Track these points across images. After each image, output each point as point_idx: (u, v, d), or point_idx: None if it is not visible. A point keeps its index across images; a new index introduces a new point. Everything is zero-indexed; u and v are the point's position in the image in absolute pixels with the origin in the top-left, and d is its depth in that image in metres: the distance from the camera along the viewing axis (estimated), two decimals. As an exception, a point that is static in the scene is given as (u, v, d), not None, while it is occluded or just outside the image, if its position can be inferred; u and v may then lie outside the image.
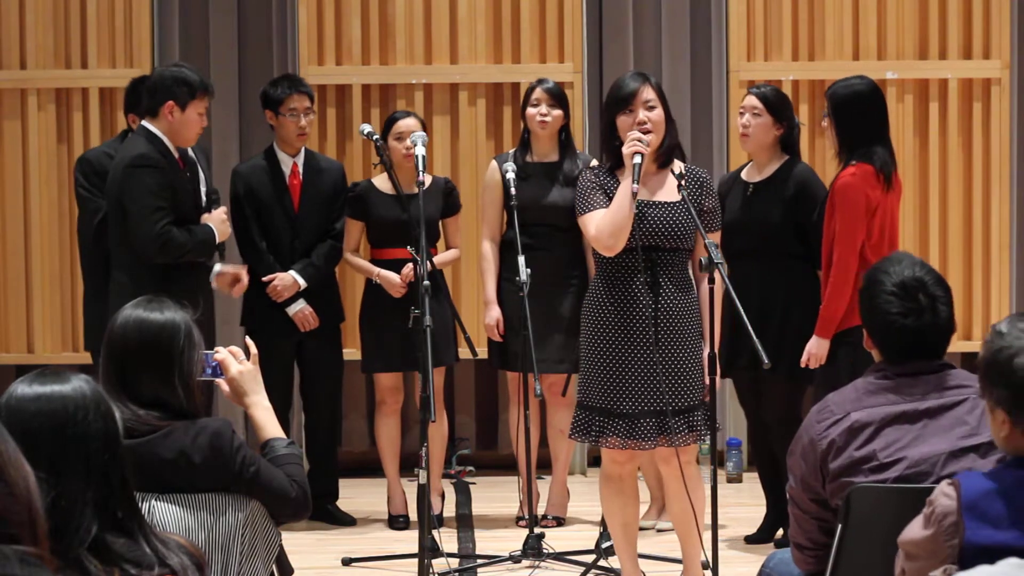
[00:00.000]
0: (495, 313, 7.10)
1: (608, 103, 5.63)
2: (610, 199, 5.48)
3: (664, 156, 5.60)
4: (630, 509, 5.73)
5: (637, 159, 5.38)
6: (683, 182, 5.52)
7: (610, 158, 5.61)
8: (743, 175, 6.77)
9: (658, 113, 5.53)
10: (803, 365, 6.27)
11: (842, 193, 6.18)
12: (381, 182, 7.16)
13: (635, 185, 5.34)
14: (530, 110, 7.11)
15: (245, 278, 6.79)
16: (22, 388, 2.67)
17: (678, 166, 5.63)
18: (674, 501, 5.65)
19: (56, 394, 2.65)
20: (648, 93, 5.53)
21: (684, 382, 5.51)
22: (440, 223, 7.25)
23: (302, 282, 7.17)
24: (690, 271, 5.64)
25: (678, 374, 5.51)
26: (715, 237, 5.63)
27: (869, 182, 6.19)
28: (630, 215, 5.40)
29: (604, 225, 5.44)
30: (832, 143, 6.35)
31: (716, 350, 5.43)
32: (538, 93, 7.11)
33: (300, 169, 7.28)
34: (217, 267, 6.67)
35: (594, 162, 7.23)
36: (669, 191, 5.57)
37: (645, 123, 5.49)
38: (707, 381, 5.47)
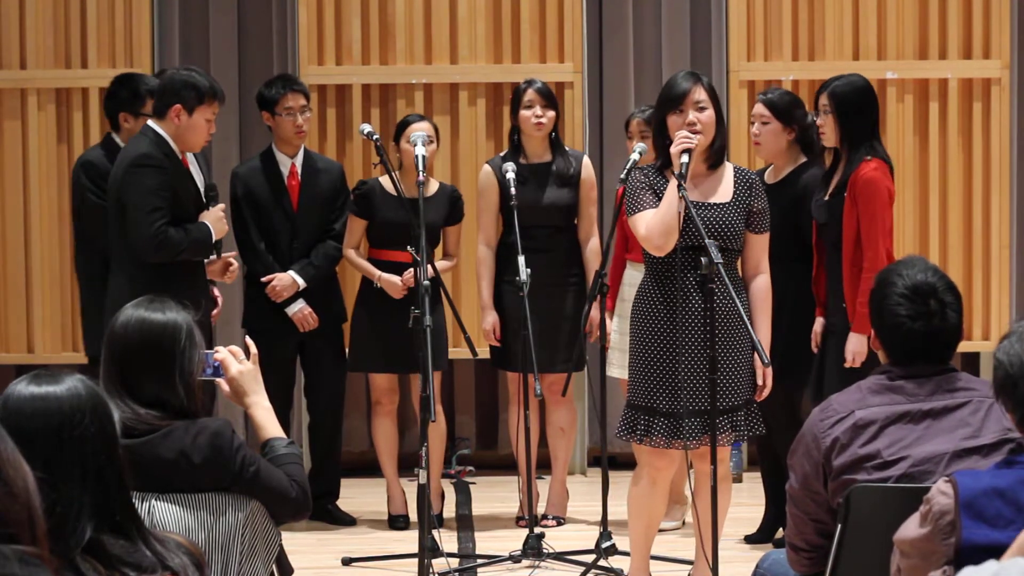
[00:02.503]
0: (492, 318, 7.11)
1: (659, 102, 5.64)
2: (659, 198, 5.48)
3: (714, 157, 5.60)
4: (656, 513, 5.75)
5: (685, 158, 5.38)
6: (741, 186, 5.56)
7: (660, 157, 5.61)
8: (764, 177, 6.76)
9: (708, 114, 5.52)
10: (848, 365, 6.22)
11: (870, 187, 6.16)
12: (388, 183, 7.15)
13: (683, 184, 5.34)
14: (524, 112, 7.10)
15: (235, 263, 6.75)
16: (18, 390, 2.67)
17: (729, 167, 5.64)
18: (701, 498, 5.65)
19: (52, 396, 2.65)
20: (699, 94, 5.52)
21: (730, 382, 5.51)
22: (442, 231, 7.24)
23: (301, 282, 7.17)
24: (739, 271, 5.65)
25: (725, 374, 5.49)
26: (765, 238, 5.65)
27: (887, 175, 6.22)
28: (679, 215, 5.39)
29: (654, 225, 5.43)
30: (829, 139, 6.33)
31: (762, 350, 5.42)
32: (531, 95, 7.10)
33: (298, 169, 7.28)
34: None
35: (586, 160, 7.26)
36: (720, 192, 5.58)
37: (695, 124, 5.49)
38: (759, 382, 5.55)
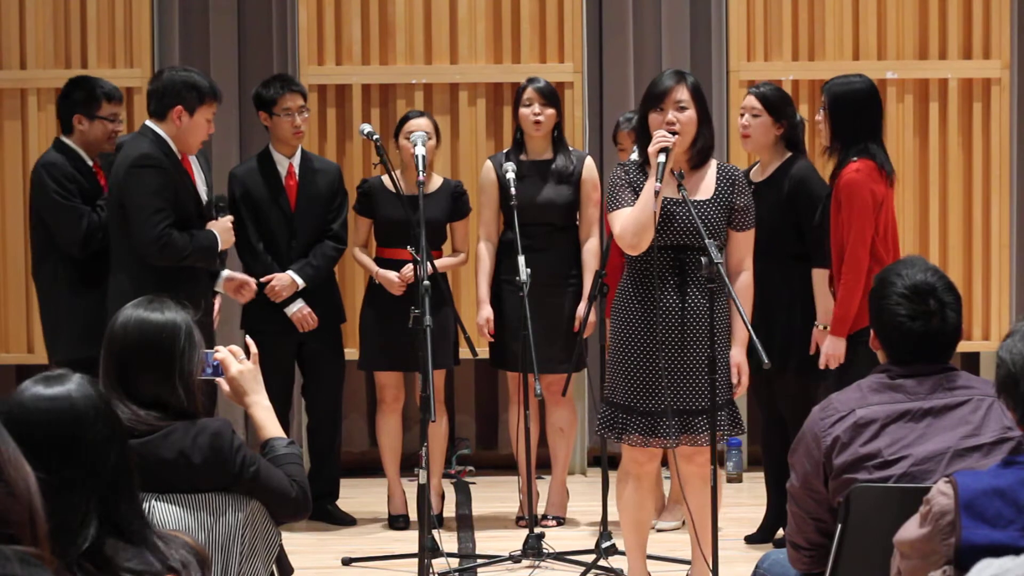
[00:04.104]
0: (486, 312, 7.12)
1: (642, 99, 5.64)
2: (638, 196, 5.47)
3: (697, 158, 5.58)
4: (646, 509, 5.75)
5: (661, 158, 5.37)
6: (723, 181, 5.55)
7: (642, 154, 5.61)
8: (751, 175, 6.77)
9: (688, 115, 5.50)
10: (822, 367, 6.24)
11: (849, 189, 6.18)
12: (389, 181, 7.15)
13: (658, 184, 5.33)
14: (523, 110, 7.11)
15: (253, 286, 6.81)
16: (27, 391, 2.66)
17: (713, 164, 5.63)
18: (691, 499, 5.65)
19: (62, 397, 2.64)
20: (681, 93, 5.50)
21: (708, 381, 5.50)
22: (448, 227, 7.25)
23: (300, 282, 7.17)
24: (721, 269, 5.65)
25: (702, 373, 5.49)
26: (749, 235, 5.63)
27: (873, 177, 6.21)
28: (653, 214, 5.38)
29: (628, 224, 5.43)
30: (824, 138, 6.36)
31: (737, 351, 5.43)
32: (530, 93, 7.11)
33: (296, 170, 7.27)
34: (226, 272, 6.70)
35: (588, 160, 7.26)
36: (702, 189, 5.57)
37: (673, 124, 5.48)
38: (734, 381, 5.51)
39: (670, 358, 5.48)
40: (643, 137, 5.57)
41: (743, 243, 5.63)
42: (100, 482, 2.59)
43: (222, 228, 6.40)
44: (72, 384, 2.66)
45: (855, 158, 6.21)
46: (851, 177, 6.18)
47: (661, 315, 5.48)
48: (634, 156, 6.16)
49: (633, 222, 5.41)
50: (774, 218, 6.58)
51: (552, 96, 7.15)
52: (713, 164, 5.64)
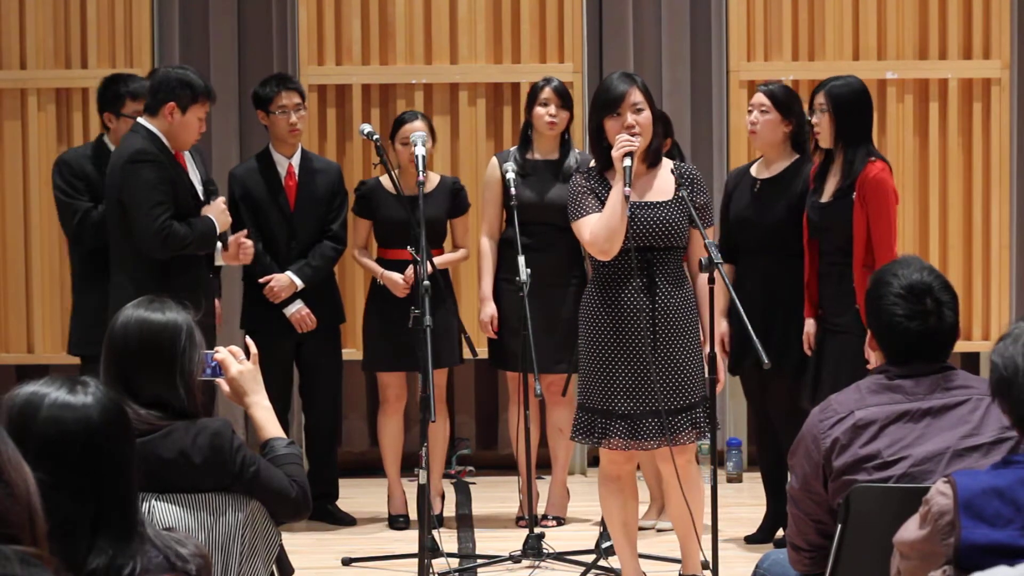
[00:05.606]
0: (490, 310, 7.11)
1: (595, 106, 5.65)
2: (601, 202, 5.49)
3: (653, 156, 5.61)
4: (629, 509, 5.74)
5: (627, 162, 5.40)
6: (683, 181, 5.55)
7: (599, 160, 5.62)
8: (752, 171, 6.76)
9: (645, 116, 5.54)
10: (869, 368, 6.21)
11: (879, 188, 6.17)
12: (388, 182, 7.15)
13: (627, 188, 5.35)
14: (539, 109, 7.11)
15: (248, 241, 6.72)
16: (49, 395, 2.63)
17: (667, 164, 5.65)
18: (674, 500, 5.65)
19: (81, 404, 2.62)
20: (635, 96, 5.54)
21: (685, 380, 5.52)
22: (448, 223, 7.25)
23: (299, 283, 7.17)
24: (685, 268, 5.65)
25: (678, 372, 5.51)
26: (709, 233, 5.63)
27: (891, 176, 6.24)
28: (623, 218, 5.41)
29: (599, 230, 5.45)
30: (825, 140, 6.34)
31: (716, 349, 5.43)
32: (547, 93, 7.11)
33: (296, 170, 7.27)
34: (219, 245, 6.66)
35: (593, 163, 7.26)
36: (659, 191, 5.59)
37: (633, 127, 5.49)
38: (715, 380, 5.49)
39: (644, 360, 5.49)
40: (599, 144, 5.58)
41: (704, 242, 5.64)
42: (109, 486, 2.58)
43: (217, 211, 6.40)
44: (91, 389, 2.64)
45: (872, 158, 6.22)
46: (881, 176, 6.19)
47: (632, 317, 5.48)
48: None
49: (604, 227, 5.44)
50: (781, 215, 6.57)
51: (568, 98, 7.17)
52: (668, 164, 5.67)
